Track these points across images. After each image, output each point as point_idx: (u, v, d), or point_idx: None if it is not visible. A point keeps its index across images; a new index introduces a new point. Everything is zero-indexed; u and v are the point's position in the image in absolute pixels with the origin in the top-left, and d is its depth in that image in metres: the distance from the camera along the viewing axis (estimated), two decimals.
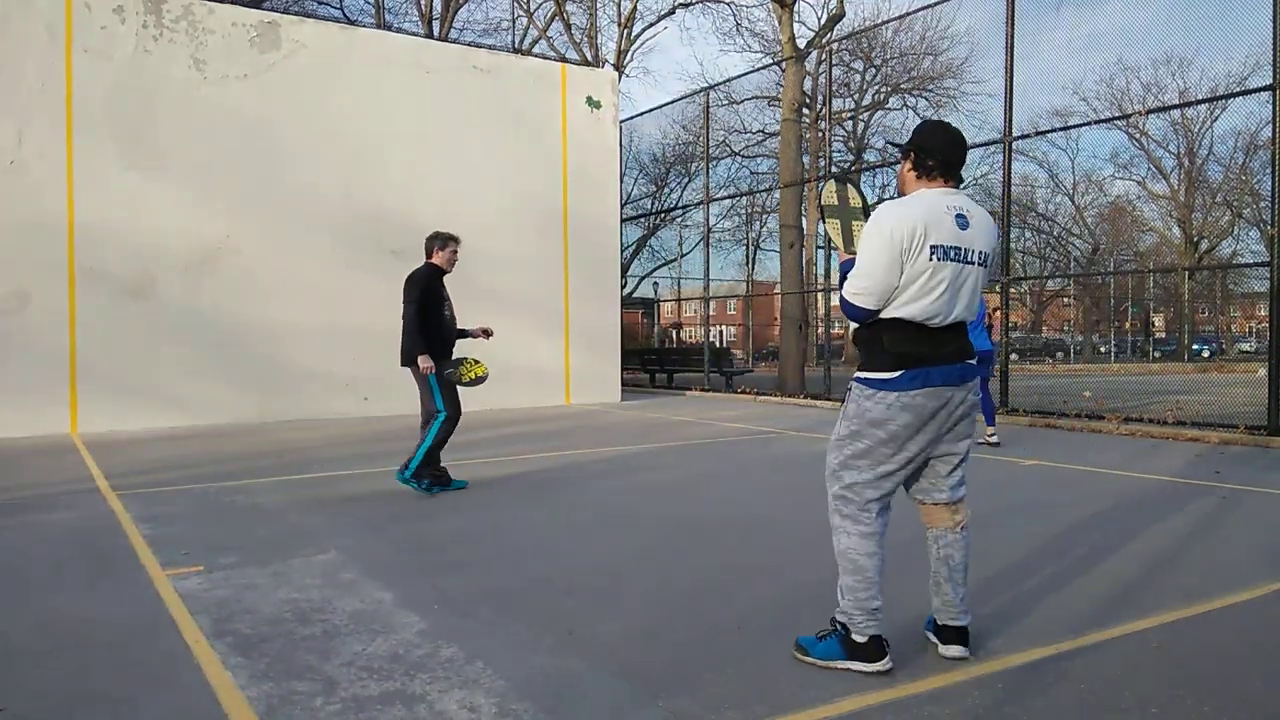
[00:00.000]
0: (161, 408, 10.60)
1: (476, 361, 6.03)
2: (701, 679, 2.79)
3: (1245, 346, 40.89)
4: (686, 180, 26.08)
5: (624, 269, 23.07)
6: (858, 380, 2.93)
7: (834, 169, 22.98)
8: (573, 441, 8.75)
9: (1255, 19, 9.44)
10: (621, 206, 16.51)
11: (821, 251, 28.46)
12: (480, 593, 3.75)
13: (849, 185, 3.27)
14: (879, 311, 2.83)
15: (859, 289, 2.81)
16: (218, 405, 10.92)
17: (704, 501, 5.89)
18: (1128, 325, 41.48)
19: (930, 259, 2.75)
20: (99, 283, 10.35)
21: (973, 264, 2.84)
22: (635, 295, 27.82)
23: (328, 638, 3.19)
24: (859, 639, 2.83)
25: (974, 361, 2.95)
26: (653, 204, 26.58)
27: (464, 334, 6.26)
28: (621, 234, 16.26)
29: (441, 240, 6.10)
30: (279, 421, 11.19)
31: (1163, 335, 42.32)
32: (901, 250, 2.74)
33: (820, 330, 19.04)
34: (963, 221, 2.81)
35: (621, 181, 18.08)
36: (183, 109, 10.87)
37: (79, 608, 3.57)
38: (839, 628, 2.89)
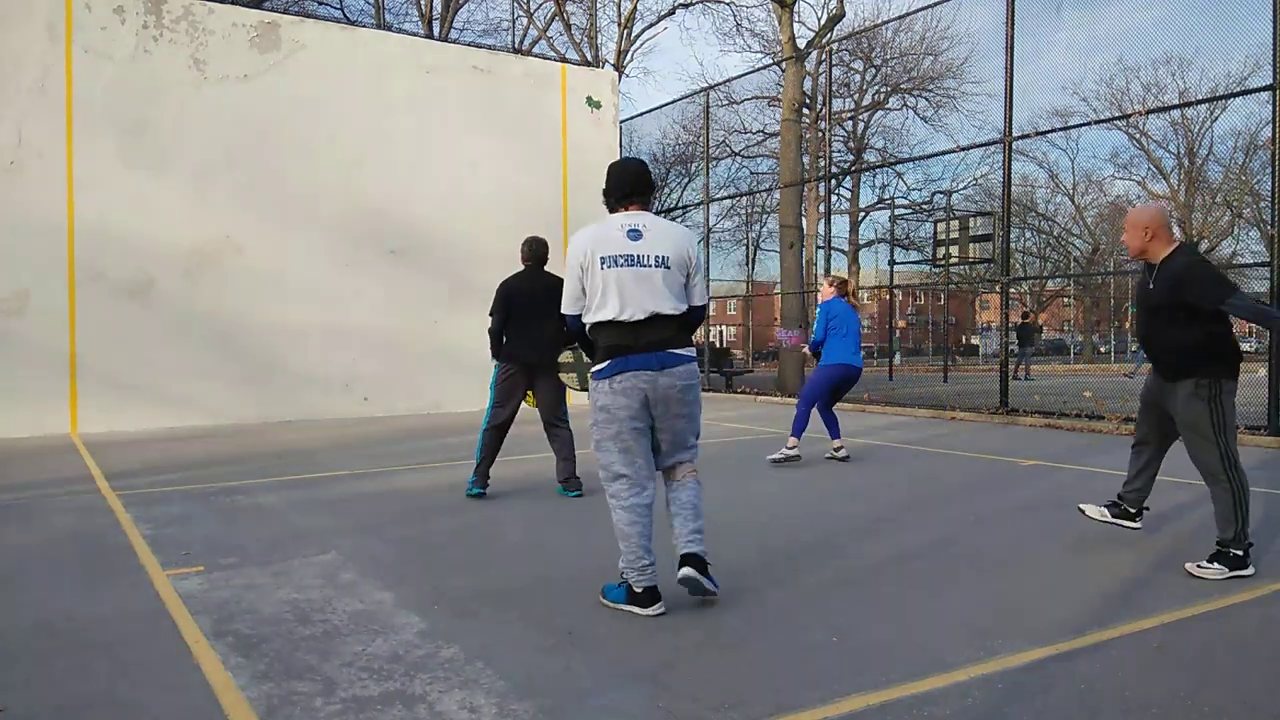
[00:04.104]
0: (161, 408, 10.60)
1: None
2: (701, 679, 2.79)
3: (1245, 346, 40.90)
4: (686, 180, 26.07)
5: None
6: (590, 374, 3.55)
7: (834, 169, 22.99)
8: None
9: (1255, 19, 9.44)
10: None
11: (821, 251, 28.46)
12: (480, 593, 3.75)
13: (579, 349, 4.25)
14: (582, 317, 3.55)
15: (563, 305, 3.60)
16: (218, 405, 10.92)
17: (704, 502, 5.88)
18: (1128, 325, 41.48)
19: (602, 269, 3.42)
20: (99, 283, 10.34)
21: (650, 266, 3.43)
22: None
23: (328, 638, 3.19)
24: (637, 589, 3.46)
25: (679, 350, 3.46)
26: (653, 204, 26.56)
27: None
28: None
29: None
30: (279, 422, 11.19)
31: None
32: (581, 269, 3.47)
33: None
34: (634, 234, 3.46)
35: None
36: (183, 109, 10.87)
37: (79, 608, 3.57)
38: (623, 579, 3.52)
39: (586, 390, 4.32)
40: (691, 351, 3.53)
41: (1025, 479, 6.76)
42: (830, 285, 7.77)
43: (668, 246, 3.47)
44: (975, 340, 49.80)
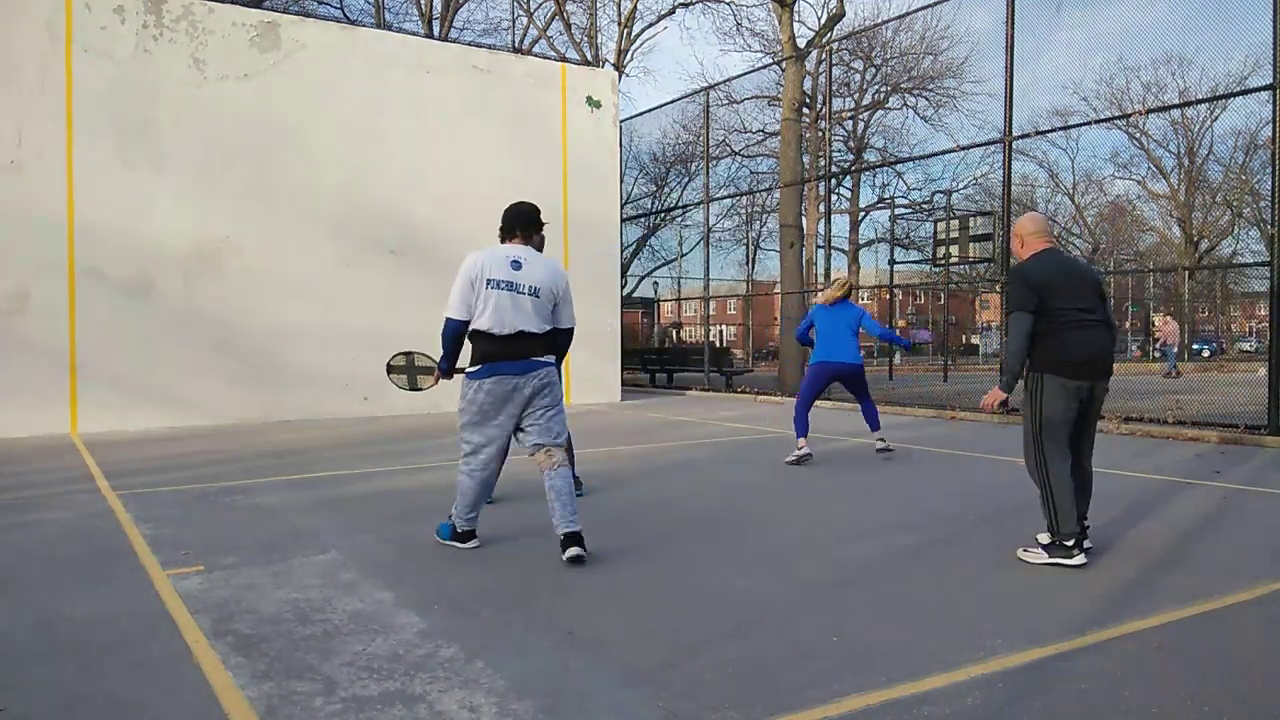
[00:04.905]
0: (161, 407, 10.60)
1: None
2: (701, 679, 2.79)
3: (1245, 346, 40.89)
4: (686, 180, 26.07)
5: (624, 269, 23.06)
6: (465, 374, 4.32)
7: (834, 168, 22.98)
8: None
9: (1255, 19, 9.44)
10: (621, 206, 16.52)
11: (821, 251, 28.46)
12: (480, 593, 3.75)
13: (412, 354, 5.01)
14: (468, 323, 4.22)
15: (449, 309, 4.24)
16: (218, 405, 10.92)
17: (704, 502, 5.89)
18: (1128, 325, 41.49)
19: (487, 288, 4.17)
20: (99, 282, 10.35)
21: (524, 294, 4.21)
22: (635, 295, 27.80)
23: (328, 638, 3.19)
24: (459, 530, 4.47)
25: (539, 359, 4.24)
26: (653, 204, 26.56)
27: None
28: (621, 234, 16.26)
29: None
30: (279, 421, 11.19)
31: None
32: (471, 280, 4.19)
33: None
34: (516, 265, 4.24)
35: (621, 181, 18.08)
36: (183, 109, 10.87)
37: (79, 607, 3.57)
38: (451, 520, 4.50)
39: (415, 390, 5.12)
40: (550, 359, 4.34)
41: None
42: (836, 289, 7.85)
43: (540, 279, 4.27)
44: (975, 340, 49.83)
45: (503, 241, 4.42)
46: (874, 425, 7.85)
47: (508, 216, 4.43)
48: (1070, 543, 4.07)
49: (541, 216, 4.51)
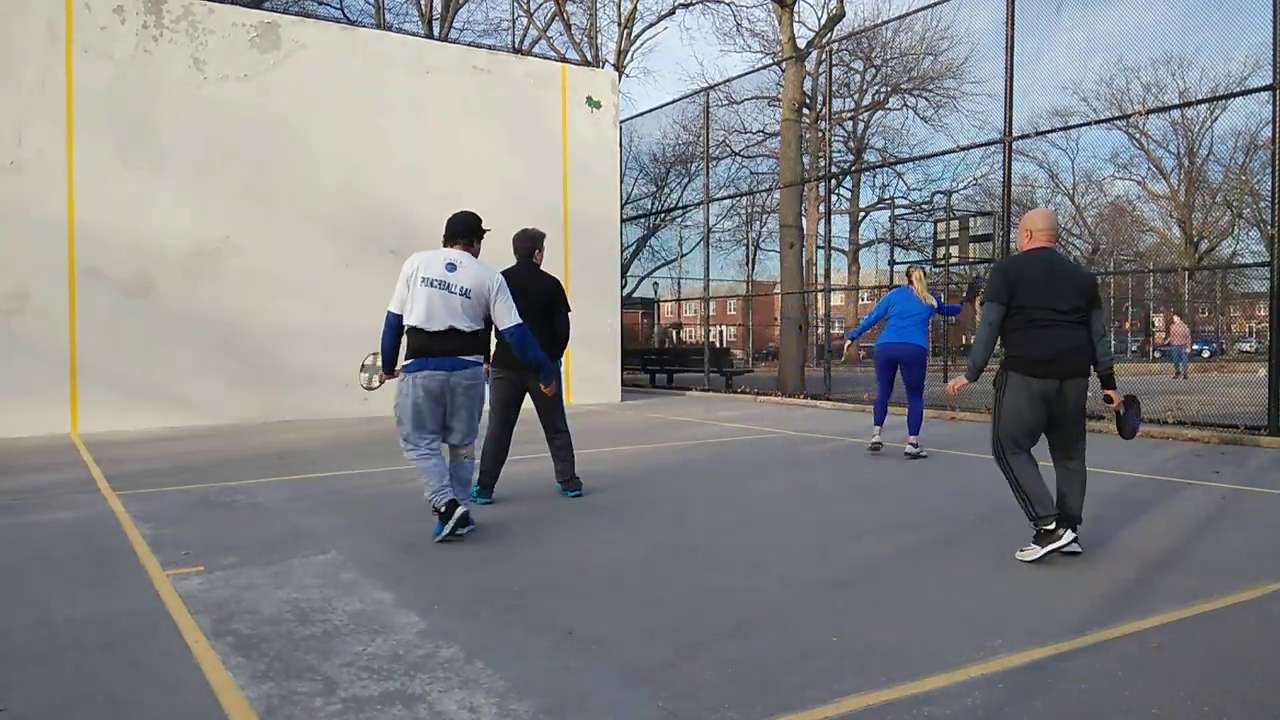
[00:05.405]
0: (162, 408, 10.60)
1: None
2: (701, 679, 2.79)
3: (1245, 346, 40.89)
4: (686, 180, 26.06)
5: (624, 269, 23.05)
6: (401, 368, 4.62)
7: (834, 169, 22.99)
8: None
9: (1255, 19, 9.44)
10: (621, 206, 16.51)
11: (821, 251, 28.46)
12: (480, 593, 3.75)
13: (377, 356, 5.04)
14: (402, 317, 4.57)
15: (391, 303, 4.60)
16: (218, 405, 10.92)
17: (704, 503, 5.89)
18: (1128, 325, 41.50)
19: (421, 285, 4.51)
20: (99, 283, 10.34)
21: (455, 294, 4.53)
22: (635, 295, 27.80)
23: (328, 638, 3.19)
24: (440, 507, 4.53)
25: (467, 358, 4.54)
26: (653, 204, 26.55)
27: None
28: (621, 234, 16.25)
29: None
30: (279, 421, 11.19)
31: (1163, 335, 42.31)
32: (407, 279, 4.56)
33: (820, 330, 19.03)
34: (450, 267, 4.58)
35: (621, 181, 18.08)
36: (183, 109, 10.86)
37: (79, 607, 3.57)
38: (432, 509, 4.60)
39: (369, 389, 5.29)
40: (477, 359, 4.63)
41: None
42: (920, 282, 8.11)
43: (471, 281, 4.59)
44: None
45: (445, 245, 4.76)
46: (914, 429, 7.93)
47: (449, 223, 4.79)
48: (1051, 525, 4.11)
49: (483, 224, 4.85)
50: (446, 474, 4.63)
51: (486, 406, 5.86)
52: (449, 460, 4.77)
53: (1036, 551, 4.16)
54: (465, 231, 4.77)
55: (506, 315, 4.70)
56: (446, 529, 4.53)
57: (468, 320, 4.56)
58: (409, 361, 4.55)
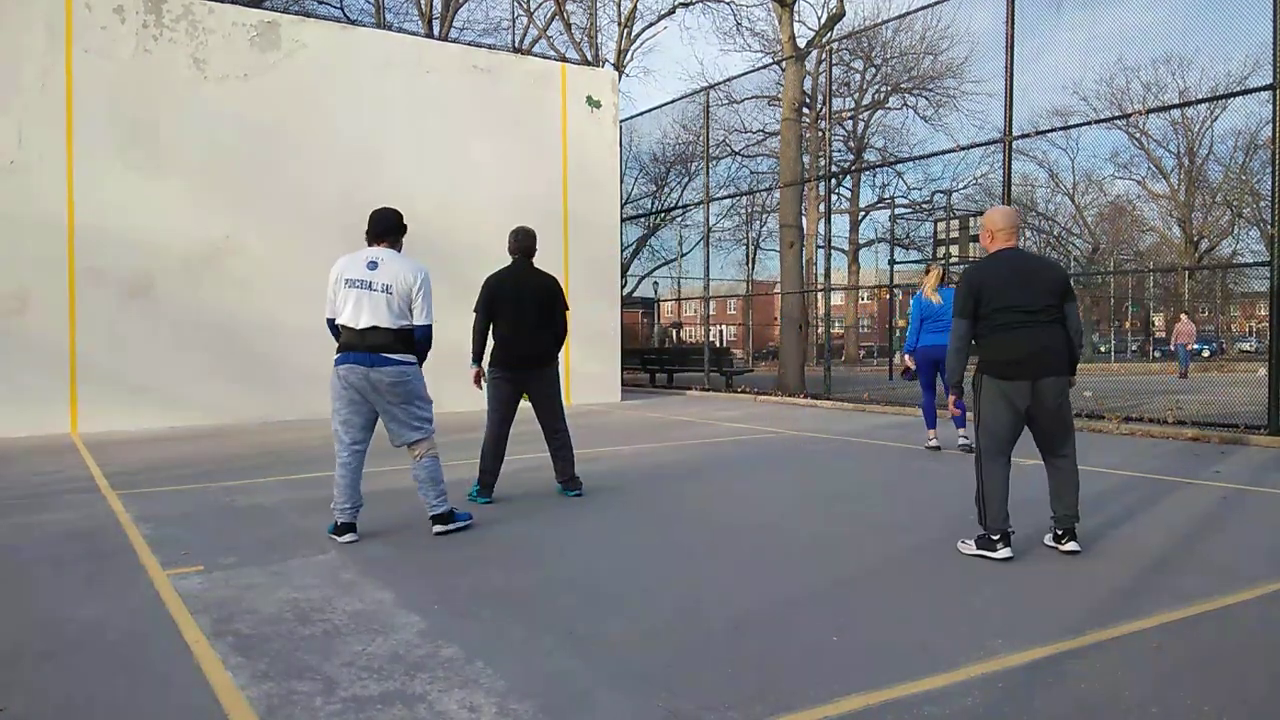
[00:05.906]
0: (161, 408, 10.60)
1: None
2: (701, 679, 2.79)
3: (1245, 346, 40.87)
4: (686, 180, 26.05)
5: (624, 269, 23.06)
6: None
7: (834, 168, 22.98)
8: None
9: (1255, 19, 9.44)
10: (621, 206, 16.51)
11: (821, 251, 28.47)
12: (480, 593, 3.75)
13: None
14: (334, 319, 4.72)
15: (326, 310, 4.73)
16: (218, 405, 10.92)
17: (704, 502, 5.89)
18: (1128, 325, 41.47)
19: (345, 286, 4.64)
20: (99, 282, 10.34)
21: (378, 291, 4.60)
22: (635, 295, 27.80)
23: (328, 638, 3.19)
24: (335, 521, 4.70)
25: (392, 355, 4.56)
26: (653, 204, 26.55)
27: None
28: (621, 234, 16.25)
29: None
30: (279, 421, 11.18)
31: (1163, 335, 42.31)
32: (334, 282, 4.69)
33: (820, 330, 19.05)
34: (372, 265, 4.64)
35: (621, 181, 18.07)
36: (183, 109, 10.86)
37: (79, 608, 3.57)
38: (333, 524, 4.73)
39: None
40: (405, 357, 4.65)
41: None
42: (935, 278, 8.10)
43: (392, 278, 4.63)
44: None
45: (369, 244, 4.82)
46: (959, 422, 8.02)
47: (371, 222, 4.82)
48: (996, 538, 4.21)
49: (403, 220, 4.87)
50: (357, 490, 4.70)
51: (486, 406, 5.89)
52: (413, 470, 4.80)
53: (973, 549, 4.29)
54: (388, 229, 4.80)
55: (420, 313, 4.71)
56: (332, 535, 4.68)
57: (392, 317, 4.61)
58: (335, 355, 4.67)
